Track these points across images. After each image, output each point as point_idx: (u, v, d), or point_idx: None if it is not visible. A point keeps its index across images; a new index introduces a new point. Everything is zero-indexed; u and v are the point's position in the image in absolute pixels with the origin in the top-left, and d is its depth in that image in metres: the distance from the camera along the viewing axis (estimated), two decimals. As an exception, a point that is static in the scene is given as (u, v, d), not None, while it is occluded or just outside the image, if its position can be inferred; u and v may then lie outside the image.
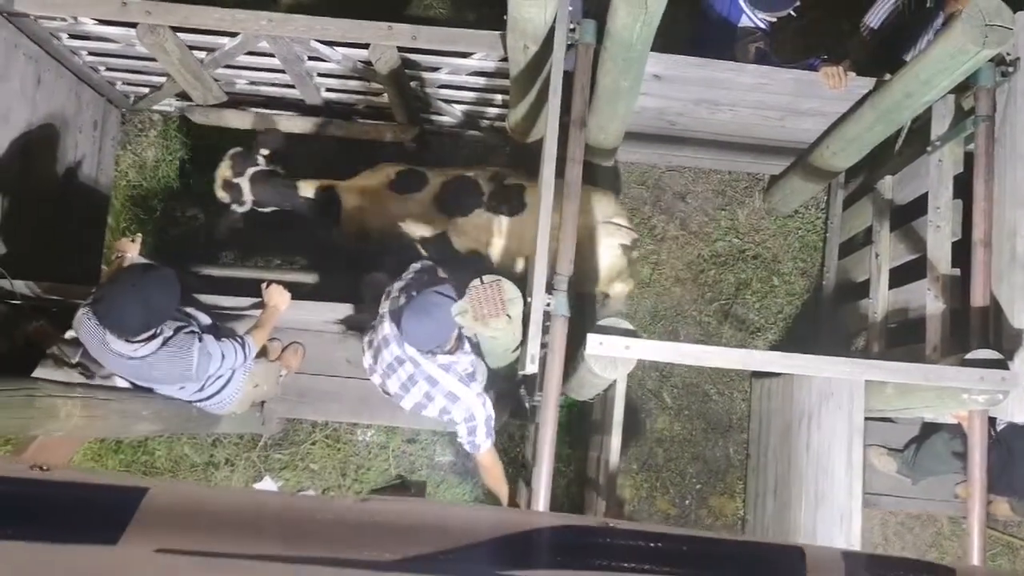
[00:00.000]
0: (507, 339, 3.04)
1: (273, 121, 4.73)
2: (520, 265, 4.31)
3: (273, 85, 4.64)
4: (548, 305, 2.93)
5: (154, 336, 3.11)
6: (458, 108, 4.72)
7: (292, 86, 4.57)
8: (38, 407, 3.01)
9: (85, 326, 3.11)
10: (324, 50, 3.95)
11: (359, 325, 4.03)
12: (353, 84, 4.49)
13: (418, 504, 2.08)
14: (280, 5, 5.83)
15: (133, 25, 3.80)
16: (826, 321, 5.27)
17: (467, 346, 3.35)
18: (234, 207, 4.25)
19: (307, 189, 4.28)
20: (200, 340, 3.22)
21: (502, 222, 4.15)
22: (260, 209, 4.31)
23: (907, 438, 4.81)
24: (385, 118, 4.87)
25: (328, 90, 4.63)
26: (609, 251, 4.22)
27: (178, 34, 3.83)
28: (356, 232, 4.38)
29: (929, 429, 4.62)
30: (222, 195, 4.22)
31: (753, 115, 4.20)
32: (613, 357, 2.85)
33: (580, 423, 5.24)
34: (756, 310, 5.65)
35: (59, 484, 1.33)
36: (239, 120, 4.75)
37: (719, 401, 5.53)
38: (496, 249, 4.21)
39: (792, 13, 4.07)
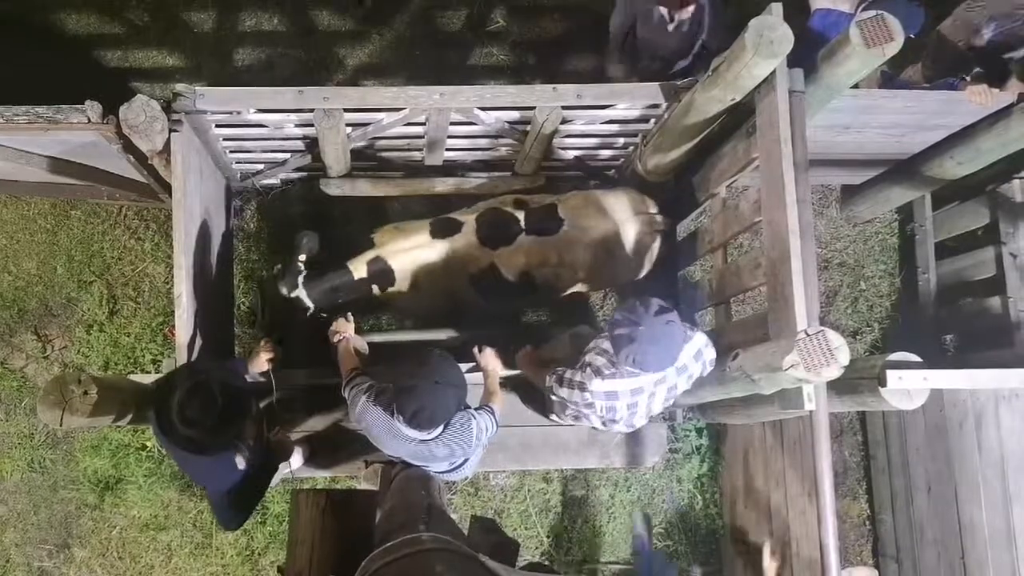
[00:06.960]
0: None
1: (407, 186, 4.79)
2: (568, 278, 4.51)
3: (396, 151, 4.71)
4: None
5: None
6: (573, 153, 4.84)
7: (418, 149, 4.65)
8: None
9: (371, 413, 3.17)
10: (482, 115, 4.04)
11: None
12: (482, 142, 4.59)
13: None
14: (346, 68, 5.93)
15: (295, 110, 3.87)
16: (929, 319, 5.45)
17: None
18: (311, 313, 4.34)
19: (359, 268, 4.33)
20: (474, 416, 3.29)
21: (545, 241, 4.38)
22: (324, 315, 4.32)
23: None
24: (498, 169, 4.98)
25: (448, 150, 4.70)
26: (648, 239, 4.50)
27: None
28: (410, 287, 4.48)
29: None
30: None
31: (877, 134, 4.37)
32: (909, 390, 2.98)
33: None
34: (848, 315, 5.86)
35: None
36: (373, 189, 4.80)
37: (830, 406, 5.71)
38: (544, 268, 4.44)
39: (912, 36, 4.26)
